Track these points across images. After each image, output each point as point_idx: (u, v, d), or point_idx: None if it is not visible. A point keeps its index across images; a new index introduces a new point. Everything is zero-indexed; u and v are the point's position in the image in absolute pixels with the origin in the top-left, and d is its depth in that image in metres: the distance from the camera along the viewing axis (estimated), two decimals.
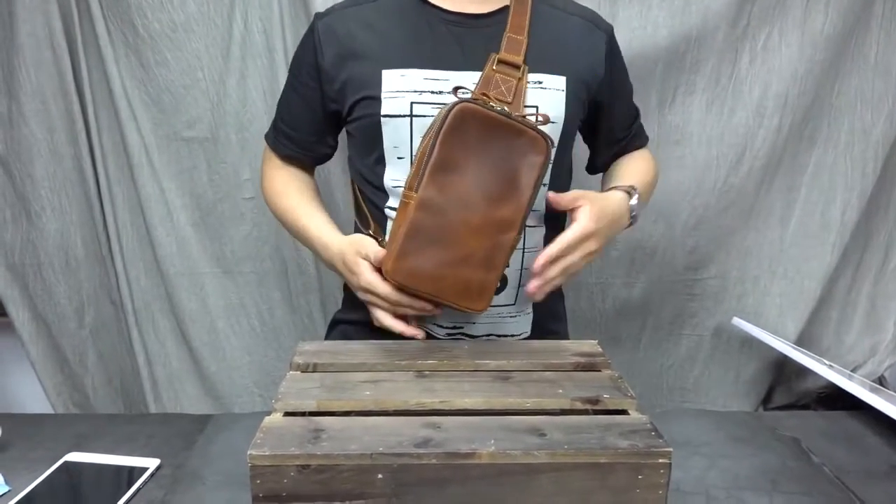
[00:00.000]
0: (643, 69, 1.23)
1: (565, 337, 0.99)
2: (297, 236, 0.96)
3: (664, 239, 1.33)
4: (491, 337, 0.88)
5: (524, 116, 0.78)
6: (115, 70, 1.20)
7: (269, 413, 0.60)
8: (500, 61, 0.81)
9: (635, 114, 1.01)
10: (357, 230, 0.91)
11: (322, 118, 0.90)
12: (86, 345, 1.32)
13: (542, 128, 0.77)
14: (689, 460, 0.80)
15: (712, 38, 1.22)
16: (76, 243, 1.28)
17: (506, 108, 0.76)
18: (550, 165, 0.80)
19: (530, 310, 0.91)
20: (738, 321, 1.37)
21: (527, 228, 0.83)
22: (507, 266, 0.78)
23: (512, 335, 0.89)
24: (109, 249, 1.31)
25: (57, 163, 1.24)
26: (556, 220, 0.90)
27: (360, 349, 0.75)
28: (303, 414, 0.60)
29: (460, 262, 0.75)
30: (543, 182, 0.81)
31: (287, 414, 0.60)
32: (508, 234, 0.76)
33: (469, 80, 0.81)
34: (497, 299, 0.84)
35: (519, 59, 0.81)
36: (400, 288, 0.76)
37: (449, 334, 0.87)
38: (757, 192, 1.32)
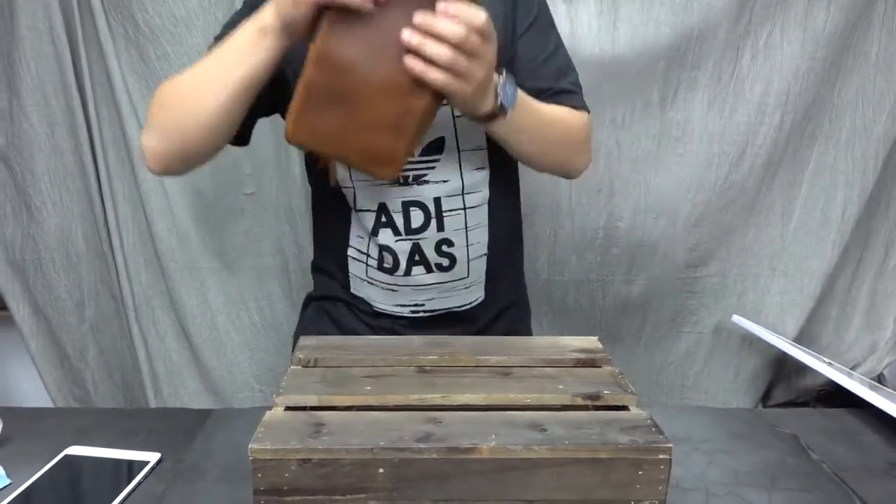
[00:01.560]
0: (645, 66, 1.23)
1: (523, 324, 0.99)
2: (220, 68, 0.72)
3: (665, 236, 1.34)
4: (450, 309, 0.89)
5: None
6: (115, 64, 1.20)
7: (269, 408, 0.60)
8: None
9: (564, 69, 0.89)
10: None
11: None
12: (86, 339, 1.33)
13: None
14: (688, 457, 0.80)
15: (714, 36, 1.22)
16: (77, 238, 1.28)
17: None
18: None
19: (482, 279, 0.89)
20: (738, 319, 1.37)
21: (469, 209, 0.83)
22: (422, 136, 0.70)
23: (465, 304, 0.89)
24: (110, 244, 1.31)
25: (58, 157, 1.24)
26: (503, 200, 0.88)
27: (361, 344, 0.75)
28: (304, 408, 0.60)
29: (366, 126, 0.67)
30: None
31: (288, 408, 0.60)
32: (418, 99, 0.66)
33: None
34: (450, 275, 0.86)
35: None
36: (302, 148, 0.71)
37: (412, 311, 0.89)
38: (758, 189, 1.32)
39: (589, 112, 0.88)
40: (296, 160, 1.28)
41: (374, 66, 0.65)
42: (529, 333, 1.00)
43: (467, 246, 0.86)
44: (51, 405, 1.31)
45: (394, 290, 0.88)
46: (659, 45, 1.22)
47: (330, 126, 0.68)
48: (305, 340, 0.75)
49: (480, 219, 0.86)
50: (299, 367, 0.69)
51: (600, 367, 0.70)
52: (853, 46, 1.25)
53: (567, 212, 1.32)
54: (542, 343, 0.77)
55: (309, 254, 1.33)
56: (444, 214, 0.83)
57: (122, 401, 1.39)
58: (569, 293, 1.38)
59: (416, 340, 0.76)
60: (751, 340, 1.40)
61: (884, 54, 1.25)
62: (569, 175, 0.91)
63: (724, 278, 1.38)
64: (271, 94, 0.76)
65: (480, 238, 0.87)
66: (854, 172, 1.30)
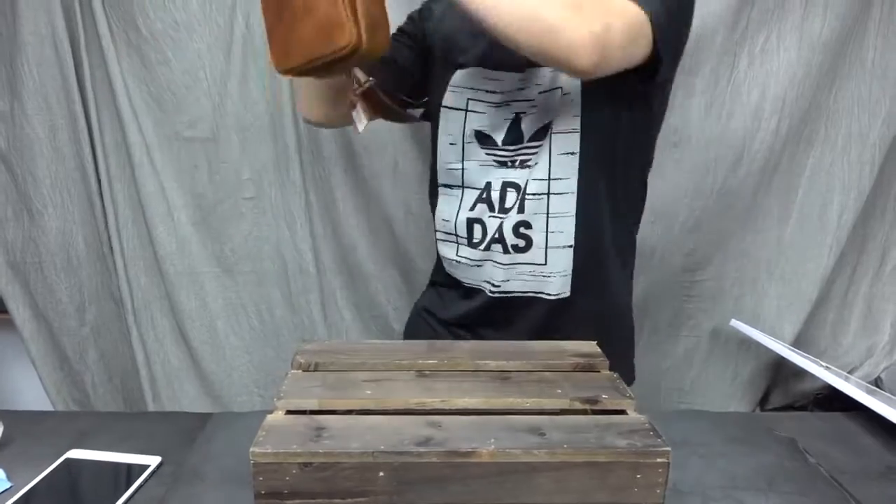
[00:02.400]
0: None
1: (622, 350, 0.96)
2: None
3: (662, 240, 1.34)
4: (529, 294, 0.89)
5: None
6: (117, 69, 1.21)
7: (269, 412, 0.61)
8: None
9: None
10: None
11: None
12: (86, 343, 1.33)
13: None
14: (686, 460, 0.81)
15: (711, 41, 1.23)
16: (78, 241, 1.28)
17: None
18: None
19: (567, 272, 0.88)
20: (735, 323, 1.37)
21: (553, 196, 0.85)
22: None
23: (549, 294, 0.88)
24: (111, 248, 1.31)
25: (59, 161, 1.24)
26: (592, 188, 0.86)
27: (361, 349, 0.75)
28: (304, 412, 0.60)
29: (304, 13, 0.70)
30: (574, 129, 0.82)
31: (289, 412, 0.61)
32: None
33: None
34: (525, 257, 0.87)
35: None
36: (292, 74, 0.74)
37: (491, 291, 0.90)
38: (755, 194, 1.33)
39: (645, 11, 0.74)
40: (295, 165, 1.28)
41: None
42: (626, 371, 0.92)
43: (546, 232, 0.86)
44: (50, 408, 1.31)
45: (479, 266, 0.90)
46: None
47: (287, 37, 0.72)
48: (305, 345, 0.76)
49: (567, 208, 0.85)
50: (300, 371, 0.70)
51: (599, 371, 0.71)
52: (849, 52, 1.26)
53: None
54: (541, 348, 0.77)
55: (308, 258, 1.34)
56: (527, 197, 0.85)
57: (122, 404, 1.39)
58: None
59: (416, 345, 0.77)
60: (748, 344, 1.40)
61: (879, 60, 1.26)
62: (571, 68, 0.73)
63: (721, 282, 1.38)
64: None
65: (565, 228, 0.85)
66: (850, 177, 1.31)
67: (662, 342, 1.43)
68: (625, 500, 0.54)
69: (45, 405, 1.33)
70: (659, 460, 0.54)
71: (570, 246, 0.86)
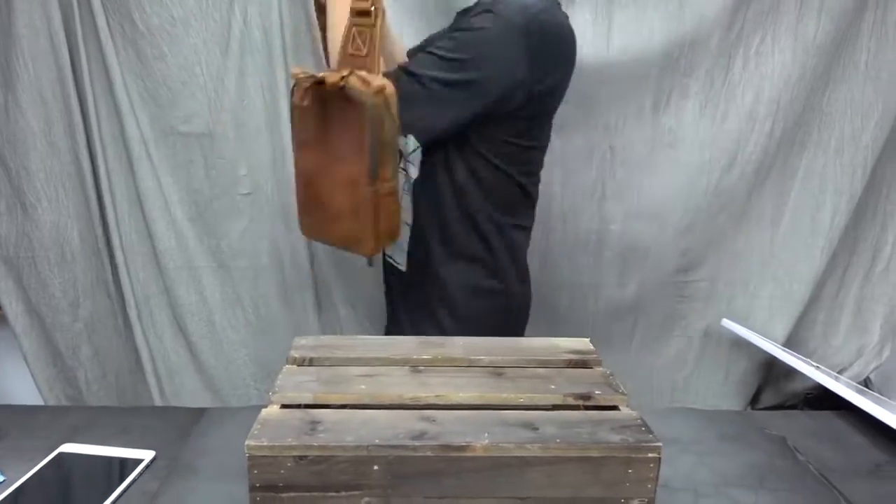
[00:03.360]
0: (638, 72, 1.24)
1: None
2: None
3: (656, 241, 1.35)
4: (395, 264, 1.08)
5: (357, 73, 0.81)
6: (115, 63, 1.20)
7: (264, 406, 0.61)
8: (354, 11, 0.83)
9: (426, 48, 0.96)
10: None
11: None
12: (80, 339, 1.32)
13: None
14: (678, 458, 0.81)
15: (706, 43, 1.24)
16: (72, 236, 1.28)
17: (344, 77, 0.80)
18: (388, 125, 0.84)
19: (405, 248, 1.05)
20: (727, 323, 1.38)
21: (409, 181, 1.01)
22: (389, 220, 0.87)
23: (399, 264, 1.07)
24: (107, 243, 1.31)
25: (53, 155, 1.23)
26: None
27: (355, 344, 0.75)
28: (300, 406, 0.61)
29: (334, 218, 0.88)
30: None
31: (284, 406, 0.61)
32: (361, 188, 0.84)
33: None
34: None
35: (367, 5, 0.83)
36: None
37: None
38: (748, 195, 1.34)
39: (406, 76, 0.90)
40: (291, 161, 1.28)
41: (327, 172, 0.87)
42: (438, 333, 1.02)
43: (404, 210, 0.99)
44: (42, 404, 1.31)
45: None
46: (652, 52, 1.23)
47: (315, 222, 0.91)
48: (300, 340, 0.76)
49: (414, 192, 1.02)
50: (295, 365, 0.70)
51: (592, 368, 0.71)
52: (843, 55, 1.27)
53: (560, 215, 1.34)
54: (535, 344, 0.78)
55: (302, 254, 1.34)
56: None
57: (116, 400, 1.38)
58: (561, 296, 1.39)
59: (410, 340, 0.77)
60: (740, 344, 1.41)
61: (873, 64, 1.27)
62: None
63: (714, 283, 1.39)
64: None
65: (406, 206, 1.02)
66: (843, 180, 1.32)
67: (655, 341, 1.44)
68: (616, 495, 0.55)
69: (36, 401, 1.32)
70: (650, 455, 0.55)
71: (409, 225, 1.03)
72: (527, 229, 1.09)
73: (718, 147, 1.30)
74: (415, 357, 0.71)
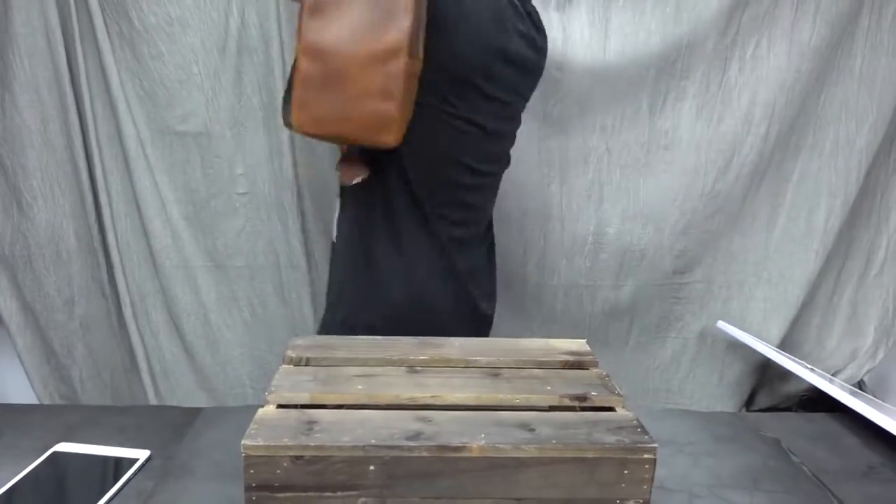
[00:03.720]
0: (635, 74, 1.25)
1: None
2: None
3: (652, 243, 1.35)
4: None
5: None
6: (111, 61, 1.20)
7: (260, 406, 0.61)
8: None
9: None
10: None
11: None
12: (75, 337, 1.32)
13: None
14: (673, 458, 0.82)
15: (703, 46, 1.24)
16: (68, 235, 1.27)
17: None
18: None
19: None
20: (722, 325, 1.39)
21: None
22: (411, 99, 0.79)
23: None
24: (102, 241, 1.30)
25: (50, 153, 1.23)
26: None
27: (352, 344, 0.75)
28: (296, 406, 0.61)
29: (358, 98, 0.76)
30: None
31: (280, 406, 0.61)
32: (398, 59, 0.76)
33: None
34: None
35: None
36: (311, 136, 0.79)
37: None
38: (743, 198, 1.34)
39: None
40: (288, 160, 1.28)
41: (349, 41, 0.74)
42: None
43: None
44: (36, 402, 1.30)
45: None
46: (649, 54, 1.23)
47: (329, 109, 0.76)
48: (297, 340, 0.76)
49: None
50: (291, 365, 0.70)
51: (588, 369, 0.72)
52: (838, 60, 1.28)
53: (557, 217, 1.34)
54: (532, 345, 0.78)
55: (299, 254, 1.34)
56: None
57: (111, 399, 1.38)
58: (558, 297, 1.39)
59: (407, 341, 0.77)
60: (735, 346, 1.42)
61: (867, 68, 1.27)
62: None
63: (709, 285, 1.40)
64: None
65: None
66: (837, 183, 1.33)
67: (651, 343, 1.44)
68: (612, 496, 0.55)
69: (30, 399, 1.32)
70: (646, 456, 0.55)
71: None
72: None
73: (714, 150, 1.30)
74: (412, 357, 0.71)
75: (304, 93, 0.76)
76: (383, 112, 0.77)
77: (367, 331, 0.82)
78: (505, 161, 1.05)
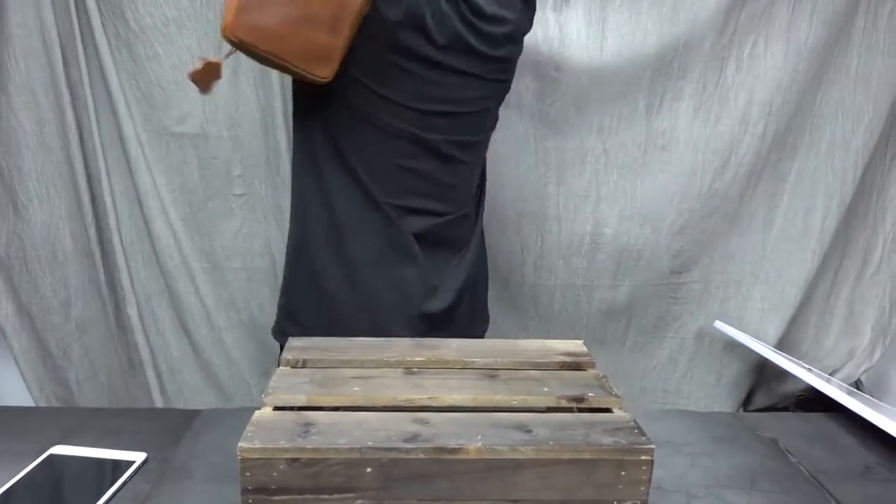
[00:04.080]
0: (632, 74, 1.25)
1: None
2: None
3: (649, 242, 1.35)
4: None
5: None
6: (110, 63, 1.20)
7: (257, 408, 0.61)
8: None
9: None
10: None
11: None
12: (71, 339, 1.31)
13: None
14: (670, 459, 0.82)
15: (700, 46, 1.24)
16: (64, 236, 1.27)
17: None
18: None
19: None
20: (720, 325, 1.39)
21: None
22: (352, 37, 0.76)
23: None
24: (99, 243, 1.30)
25: (45, 155, 1.23)
26: None
27: (349, 346, 0.75)
28: (293, 408, 0.61)
29: (304, 21, 0.73)
30: None
31: (277, 408, 0.61)
32: None
33: None
34: None
35: None
36: (240, 45, 0.74)
37: None
38: (741, 197, 1.34)
39: None
40: (286, 162, 1.28)
41: None
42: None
43: None
44: (32, 404, 1.30)
45: None
46: (646, 54, 1.24)
47: (270, 21, 0.71)
48: (293, 342, 0.76)
49: None
50: (288, 367, 0.70)
51: (585, 370, 0.71)
52: (834, 60, 1.28)
53: (554, 217, 1.34)
54: (529, 346, 0.78)
55: None
56: None
57: (107, 401, 1.38)
58: (555, 297, 1.40)
59: (403, 342, 0.77)
60: (733, 346, 1.42)
61: (863, 68, 1.28)
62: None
63: (706, 285, 1.40)
64: None
65: None
66: (834, 183, 1.33)
67: (648, 343, 1.44)
68: (609, 497, 0.55)
69: (26, 402, 1.32)
70: (643, 458, 0.55)
71: None
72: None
73: (711, 149, 1.30)
74: (408, 359, 0.71)
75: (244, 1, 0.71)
76: (325, 43, 0.74)
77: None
78: (471, 149, 0.99)
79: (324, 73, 0.76)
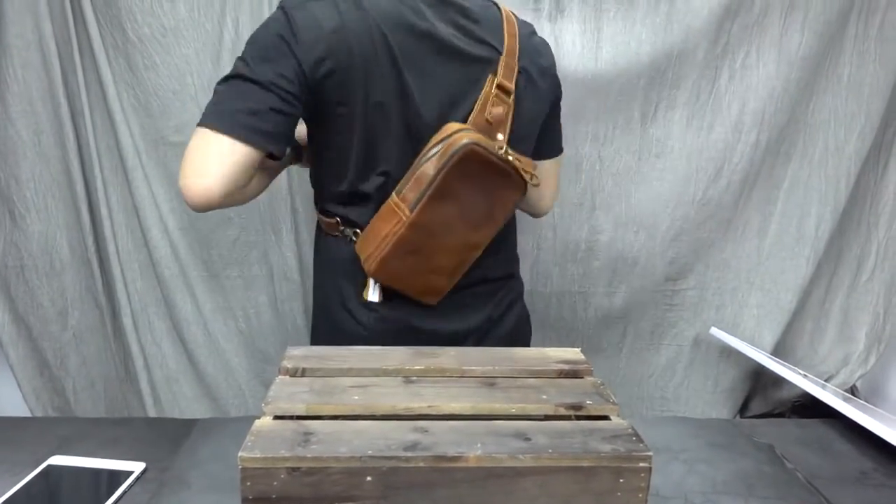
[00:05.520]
0: (627, 84, 1.26)
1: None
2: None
3: (645, 250, 1.36)
4: None
5: (516, 156, 0.87)
6: (108, 73, 1.21)
7: (256, 417, 0.61)
8: (498, 86, 0.86)
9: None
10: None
11: None
12: (68, 348, 1.31)
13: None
14: (668, 466, 0.82)
15: (693, 56, 1.26)
16: (62, 246, 1.27)
17: (502, 150, 0.84)
18: None
19: None
20: (716, 331, 1.39)
21: None
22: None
23: None
24: (97, 252, 1.30)
25: (43, 164, 1.23)
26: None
27: (348, 354, 0.75)
28: (292, 417, 0.61)
29: (430, 271, 0.88)
30: None
31: (277, 417, 0.61)
32: (475, 252, 0.91)
33: None
34: None
35: (511, 86, 0.87)
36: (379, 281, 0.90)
37: None
38: (735, 205, 1.35)
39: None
40: (283, 172, 1.28)
41: (453, 231, 0.87)
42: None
43: None
44: (28, 415, 1.29)
45: None
46: (640, 63, 1.25)
47: (404, 269, 0.87)
48: (292, 350, 0.76)
49: None
50: (287, 376, 0.70)
51: (583, 377, 0.72)
52: (826, 68, 1.29)
53: (549, 225, 1.35)
54: (526, 354, 0.78)
55: (292, 265, 1.34)
56: None
57: (104, 410, 1.37)
58: (551, 305, 1.40)
59: (402, 351, 0.77)
60: (729, 353, 1.42)
61: (855, 76, 1.29)
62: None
63: (702, 291, 1.41)
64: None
65: None
66: (827, 190, 1.34)
67: (645, 350, 1.45)
68: None
69: (23, 412, 1.31)
70: (641, 465, 0.55)
71: None
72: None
73: (705, 157, 1.31)
74: (407, 368, 0.71)
75: (392, 253, 0.85)
76: (442, 286, 0.91)
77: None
78: None
79: (431, 301, 0.92)
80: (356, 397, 0.64)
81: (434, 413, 0.62)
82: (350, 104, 0.84)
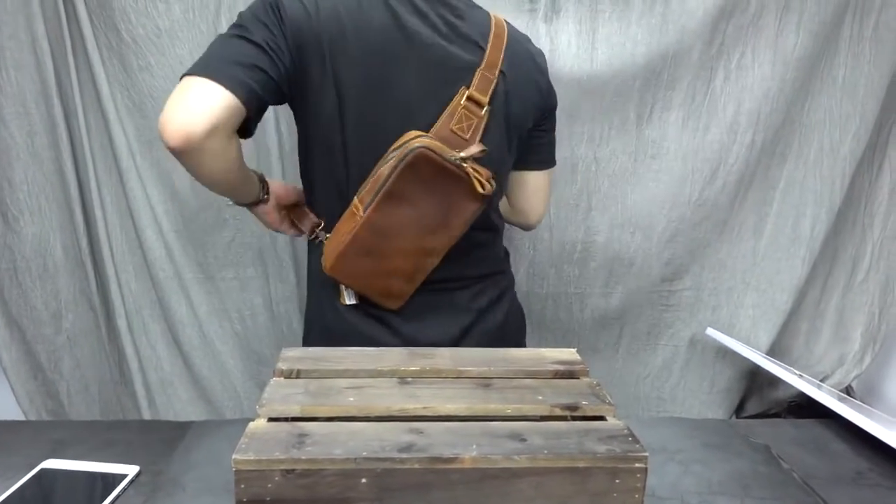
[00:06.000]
0: (622, 85, 1.26)
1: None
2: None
3: (641, 250, 1.36)
4: None
5: (472, 165, 0.86)
6: (102, 73, 1.20)
7: (250, 419, 0.60)
8: (469, 98, 0.87)
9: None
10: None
11: None
12: (62, 351, 1.30)
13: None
14: (664, 466, 0.82)
15: (688, 57, 1.26)
16: (55, 248, 1.26)
17: (458, 156, 0.84)
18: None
19: None
20: (712, 332, 1.40)
21: None
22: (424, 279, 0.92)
23: None
24: (91, 254, 1.29)
25: (37, 166, 1.22)
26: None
27: (343, 356, 0.75)
28: (287, 419, 0.60)
29: (387, 273, 0.90)
30: None
31: (271, 419, 0.60)
32: (432, 258, 0.91)
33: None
34: None
35: (485, 99, 0.88)
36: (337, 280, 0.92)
37: None
38: (730, 205, 1.36)
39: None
40: (277, 173, 1.28)
41: (406, 234, 0.88)
42: None
43: None
44: (22, 418, 1.29)
45: None
46: (635, 64, 1.25)
47: (360, 269, 0.89)
48: (287, 352, 0.76)
49: None
50: (282, 378, 0.70)
51: (578, 378, 0.72)
52: (821, 69, 1.30)
53: (546, 226, 1.35)
54: (522, 355, 0.78)
55: (288, 267, 1.34)
56: None
57: (99, 413, 1.37)
58: (547, 306, 1.40)
59: (397, 352, 0.77)
60: (725, 353, 1.43)
61: (850, 77, 1.29)
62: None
63: (698, 292, 1.41)
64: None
65: None
66: (822, 190, 1.35)
67: (641, 350, 1.45)
68: None
69: (16, 416, 1.30)
70: (637, 465, 0.55)
71: None
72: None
73: (701, 158, 1.32)
74: (402, 369, 0.71)
75: (347, 249, 0.87)
76: (399, 290, 0.92)
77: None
78: None
79: (392, 306, 0.93)
80: (351, 399, 0.64)
81: (429, 414, 0.62)
82: (323, 98, 0.86)
